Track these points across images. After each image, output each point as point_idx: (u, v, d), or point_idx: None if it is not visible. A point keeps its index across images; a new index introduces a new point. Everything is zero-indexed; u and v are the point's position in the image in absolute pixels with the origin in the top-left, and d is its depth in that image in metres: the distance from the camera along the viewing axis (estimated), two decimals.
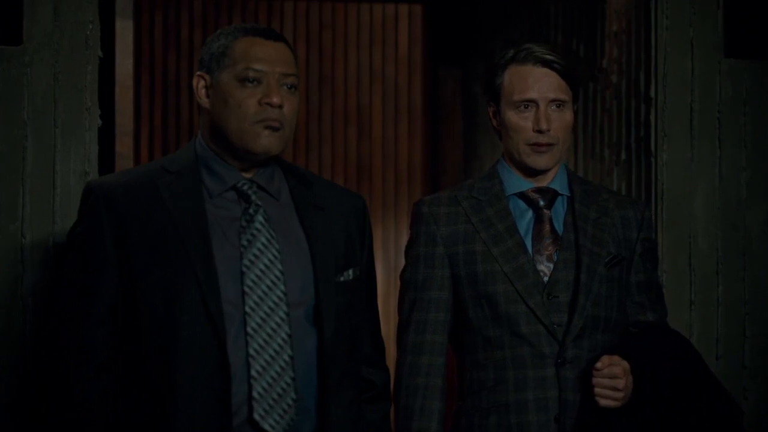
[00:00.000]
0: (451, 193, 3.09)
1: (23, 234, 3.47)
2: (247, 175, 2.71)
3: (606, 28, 4.58)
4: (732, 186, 3.94)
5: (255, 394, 2.57)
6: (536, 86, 2.99)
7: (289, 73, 2.69)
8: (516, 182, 3.06)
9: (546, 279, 2.97)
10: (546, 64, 2.99)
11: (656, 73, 3.93)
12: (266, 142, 2.66)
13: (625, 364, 2.85)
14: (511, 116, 3.02)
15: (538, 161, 3.01)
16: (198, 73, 2.72)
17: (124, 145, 4.27)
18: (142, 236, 2.59)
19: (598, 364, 2.84)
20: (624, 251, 3.04)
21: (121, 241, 2.59)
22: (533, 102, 3.00)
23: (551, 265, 2.98)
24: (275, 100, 2.63)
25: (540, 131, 2.98)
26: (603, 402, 2.85)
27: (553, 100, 2.99)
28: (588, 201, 3.06)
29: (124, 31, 4.39)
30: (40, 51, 3.51)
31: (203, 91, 2.70)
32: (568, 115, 3.01)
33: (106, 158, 4.01)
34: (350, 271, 2.77)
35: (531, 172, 3.05)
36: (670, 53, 3.92)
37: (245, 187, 2.69)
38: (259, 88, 2.66)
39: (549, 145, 2.99)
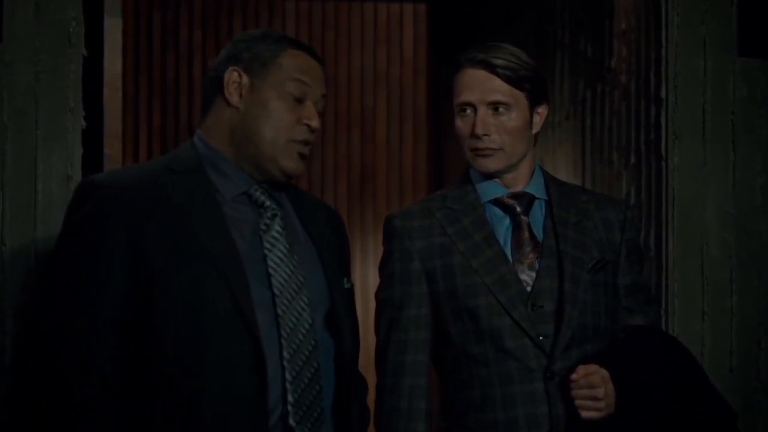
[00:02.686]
0: (424, 205, 3.03)
1: (3, 241, 3.42)
2: (256, 180, 2.69)
3: (614, 26, 4.54)
4: (746, 191, 3.92)
5: (291, 399, 2.54)
6: (473, 89, 2.93)
7: (325, 94, 2.73)
8: (490, 188, 3.00)
9: (529, 289, 2.90)
10: (485, 65, 2.93)
11: (667, 72, 3.91)
12: (294, 165, 2.67)
13: (604, 372, 2.79)
14: (456, 121, 2.97)
15: (483, 164, 2.95)
16: (233, 67, 2.67)
17: (113, 147, 4.18)
18: (159, 238, 2.52)
19: (574, 375, 2.79)
20: (608, 254, 2.98)
21: (134, 244, 2.51)
22: (470, 105, 2.94)
23: (533, 274, 2.92)
24: (315, 123, 2.68)
25: (476, 136, 2.92)
26: (585, 414, 2.79)
27: (490, 103, 2.93)
28: (567, 204, 3.00)
29: (113, 30, 4.32)
30: (21, 49, 3.46)
31: (235, 87, 2.66)
32: (511, 120, 2.93)
33: (94, 161, 3.92)
34: (346, 279, 2.77)
35: (492, 176, 2.99)
36: (682, 52, 3.90)
37: (258, 193, 2.66)
38: (301, 107, 2.66)
39: (490, 149, 2.93)
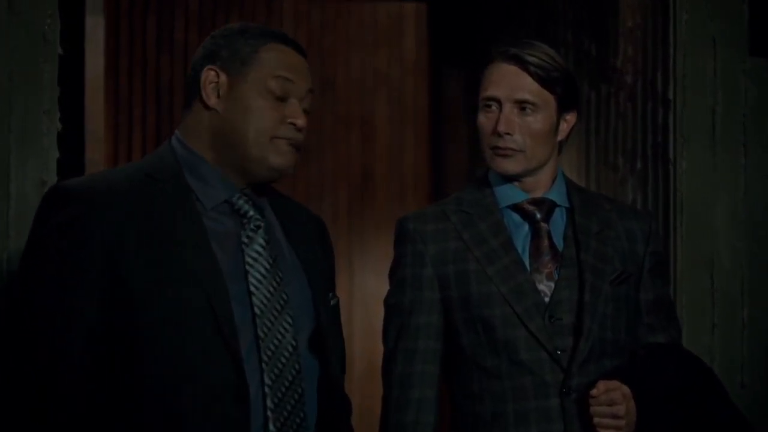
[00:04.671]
0: (438, 208, 2.95)
1: None
2: (240, 186, 2.58)
3: (619, 24, 4.53)
4: (758, 197, 3.89)
5: (272, 428, 2.45)
6: (501, 84, 2.86)
7: (312, 89, 2.60)
8: (509, 192, 2.93)
9: (547, 300, 2.84)
10: (517, 61, 2.86)
11: (675, 72, 3.88)
12: (286, 159, 2.55)
13: (625, 388, 2.72)
14: (479, 116, 2.90)
15: (501, 165, 2.87)
16: (210, 66, 2.55)
17: (95, 151, 4.06)
18: (139, 252, 2.42)
19: (594, 391, 2.71)
20: (630, 267, 2.92)
21: (113, 256, 2.41)
22: (496, 101, 2.86)
23: (552, 284, 2.85)
24: (301, 122, 2.55)
25: (498, 134, 2.85)
26: None
27: (517, 101, 2.85)
28: (589, 212, 2.94)
29: (95, 29, 4.21)
30: None
31: (212, 87, 2.55)
32: (537, 122, 2.87)
33: (74, 165, 3.83)
34: (331, 294, 2.66)
35: (511, 179, 2.93)
36: (690, 51, 3.87)
37: (241, 201, 2.56)
38: (285, 104, 2.55)
39: (511, 149, 2.86)
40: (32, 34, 3.39)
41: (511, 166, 2.86)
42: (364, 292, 7.28)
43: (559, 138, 2.92)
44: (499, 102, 2.85)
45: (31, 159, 3.36)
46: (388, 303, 2.93)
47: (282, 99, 2.54)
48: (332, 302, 2.64)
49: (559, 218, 2.92)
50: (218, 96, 2.53)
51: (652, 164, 4.12)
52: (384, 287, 2.94)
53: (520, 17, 6.06)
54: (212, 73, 2.53)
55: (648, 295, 2.93)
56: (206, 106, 2.54)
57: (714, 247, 3.83)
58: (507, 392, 2.81)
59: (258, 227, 2.53)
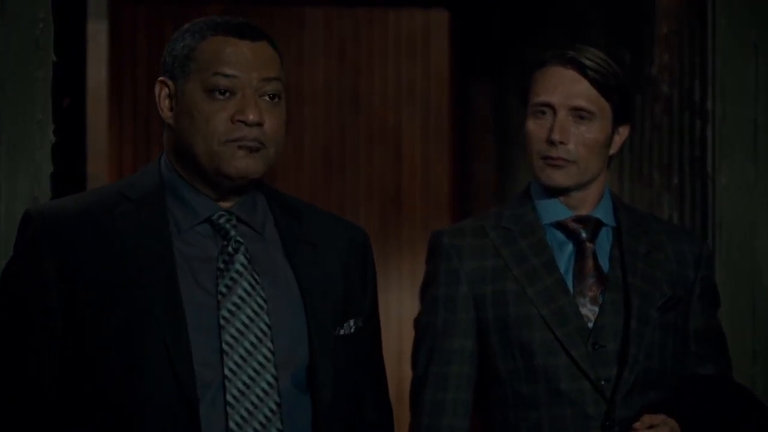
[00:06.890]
0: (476, 223, 2.87)
1: None
2: (225, 205, 2.45)
3: (655, 31, 4.53)
4: None
5: None
6: (557, 89, 2.78)
7: (270, 77, 2.39)
8: (552, 209, 2.85)
9: (590, 325, 2.78)
10: (574, 65, 2.78)
11: (713, 81, 3.81)
12: (242, 164, 2.38)
13: (672, 423, 2.66)
14: (528, 123, 2.82)
15: (552, 176, 2.79)
16: (160, 78, 2.45)
17: (97, 165, 3.96)
18: (94, 280, 2.36)
19: (637, 424, 2.65)
20: (680, 291, 2.85)
21: (67, 286, 2.36)
22: (550, 107, 2.78)
23: (596, 309, 2.79)
24: (251, 117, 2.37)
25: (551, 142, 2.76)
26: None
27: (573, 109, 2.77)
28: (637, 232, 2.87)
29: (98, 34, 4.12)
30: None
31: (166, 101, 2.43)
32: (592, 132, 2.79)
33: (76, 180, 3.71)
34: (351, 322, 2.49)
35: (557, 193, 2.85)
36: (730, 58, 3.79)
37: (222, 220, 2.42)
38: (232, 100, 2.38)
39: (563, 160, 2.77)
40: (23, 40, 3.34)
41: (562, 177, 2.80)
42: (389, 311, 7.21)
43: (612, 151, 2.86)
44: (553, 108, 2.79)
45: (23, 173, 3.33)
46: (419, 323, 2.86)
47: (228, 97, 2.39)
48: (345, 330, 2.48)
49: (605, 238, 2.86)
50: (171, 109, 2.43)
51: (689, 179, 4.10)
52: (409, 306, 2.77)
53: (550, 25, 6.07)
54: (162, 85, 2.44)
55: (697, 322, 2.87)
56: (167, 122, 2.46)
57: (755, 268, 3.73)
58: (544, 423, 2.76)
59: (238, 247, 2.40)
